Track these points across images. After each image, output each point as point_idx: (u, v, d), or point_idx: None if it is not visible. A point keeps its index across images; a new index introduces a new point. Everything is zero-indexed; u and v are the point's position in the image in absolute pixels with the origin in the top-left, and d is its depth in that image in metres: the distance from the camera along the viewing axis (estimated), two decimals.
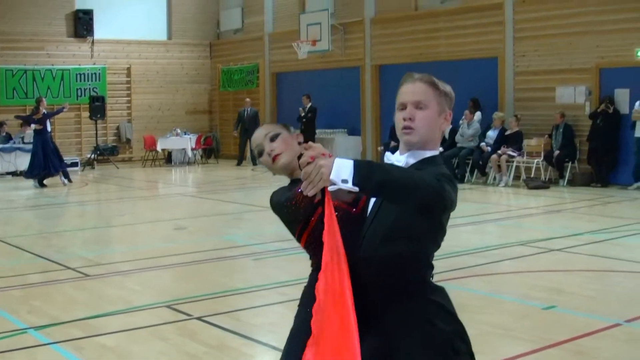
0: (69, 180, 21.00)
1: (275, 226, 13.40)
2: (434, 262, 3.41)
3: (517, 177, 19.50)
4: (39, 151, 20.22)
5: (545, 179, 19.12)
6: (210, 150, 29.08)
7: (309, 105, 24.31)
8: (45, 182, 20.54)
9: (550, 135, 19.16)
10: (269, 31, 28.27)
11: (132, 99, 28.72)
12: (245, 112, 26.57)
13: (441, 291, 3.40)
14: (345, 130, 25.10)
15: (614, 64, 18.61)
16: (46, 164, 20.21)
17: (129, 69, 28.70)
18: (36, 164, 20.32)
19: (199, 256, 10.74)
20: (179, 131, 27.16)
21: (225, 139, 30.18)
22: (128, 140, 28.61)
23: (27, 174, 20.76)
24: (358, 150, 24.79)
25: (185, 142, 26.97)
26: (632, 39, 18.17)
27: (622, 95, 18.59)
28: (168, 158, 27.71)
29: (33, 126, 20.73)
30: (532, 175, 19.14)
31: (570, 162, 19.11)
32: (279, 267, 10.16)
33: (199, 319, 7.55)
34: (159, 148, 27.04)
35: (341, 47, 25.05)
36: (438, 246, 3.40)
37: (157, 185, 21.91)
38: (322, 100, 24.80)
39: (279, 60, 27.75)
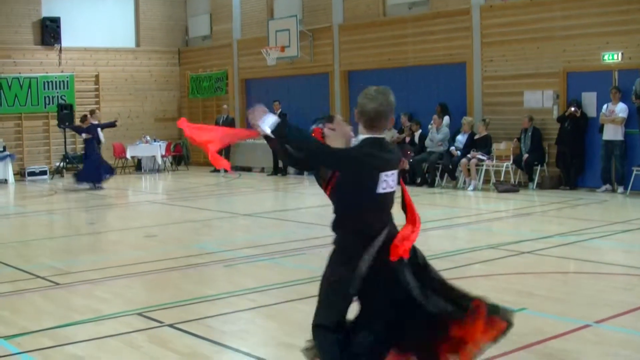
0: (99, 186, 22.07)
1: (246, 233, 13.48)
2: None
3: (486, 181, 19.59)
4: (88, 159, 22.23)
5: (514, 182, 19.24)
6: (180, 158, 29.00)
7: (279, 111, 24.30)
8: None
9: (519, 139, 19.28)
10: (237, 38, 28.25)
11: (101, 107, 28.52)
12: (222, 119, 26.57)
13: None
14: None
15: (581, 68, 18.76)
16: (93, 171, 21.93)
17: (97, 76, 28.56)
18: (85, 170, 22.22)
19: (169, 264, 10.71)
20: (148, 138, 27.10)
21: (195, 147, 29.95)
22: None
23: (77, 179, 22.17)
24: None
25: (154, 150, 26.91)
26: (598, 43, 18.33)
27: (589, 99, 18.74)
28: (138, 166, 27.63)
29: (83, 135, 22.33)
30: (502, 179, 19.24)
31: (539, 166, 19.24)
32: (249, 274, 10.14)
33: (170, 326, 7.53)
34: (128, 156, 26.97)
35: (310, 53, 25.07)
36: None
37: (126, 193, 21.81)
38: (291, 106, 24.81)
39: (247, 66, 27.73)
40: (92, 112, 22.90)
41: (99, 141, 22.50)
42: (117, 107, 28.59)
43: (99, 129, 22.34)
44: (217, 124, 26.62)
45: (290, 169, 24.74)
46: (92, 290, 9.28)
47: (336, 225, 5.07)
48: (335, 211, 5.07)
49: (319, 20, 25.08)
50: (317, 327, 5.08)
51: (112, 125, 23.25)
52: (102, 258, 11.46)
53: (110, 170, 22.81)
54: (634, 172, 17.53)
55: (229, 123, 26.52)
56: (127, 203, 19.78)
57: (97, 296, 8.96)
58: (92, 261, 11.16)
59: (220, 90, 28.77)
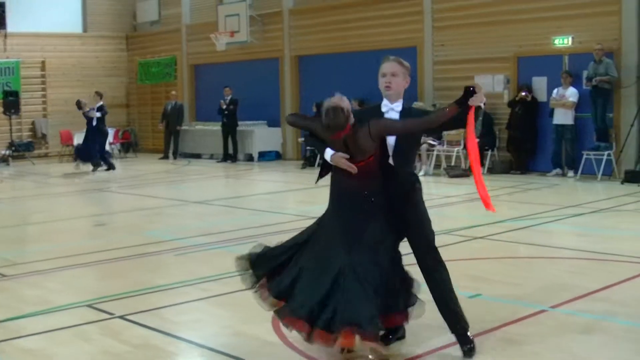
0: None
1: (197, 220, 13.32)
2: None
3: (437, 166, 19.63)
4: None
5: (465, 167, 19.27)
6: (128, 145, 28.68)
7: (230, 97, 24.12)
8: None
9: None
10: (186, 23, 28.00)
11: (48, 94, 28.19)
12: (170, 105, 26.33)
13: None
14: (265, 122, 24.95)
15: (532, 52, 18.84)
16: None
17: (43, 62, 28.16)
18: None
19: (119, 253, 10.52)
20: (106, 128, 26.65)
21: (143, 133, 29.83)
22: (44, 136, 28.09)
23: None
24: (278, 142, 24.72)
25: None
26: (549, 27, 18.41)
27: (539, 84, 18.84)
28: None
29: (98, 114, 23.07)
30: (453, 164, 19.27)
31: (490, 150, 19.31)
32: (202, 262, 10.00)
33: (121, 317, 7.37)
34: (75, 143, 26.56)
35: (260, 38, 24.90)
36: None
37: (74, 181, 21.48)
38: (241, 92, 24.62)
39: (197, 52, 27.49)
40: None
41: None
42: (65, 94, 28.18)
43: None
44: (165, 110, 26.46)
45: (240, 155, 24.59)
46: (42, 281, 9.07)
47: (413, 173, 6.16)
48: (403, 169, 6.01)
49: (269, 5, 24.91)
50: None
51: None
52: (51, 248, 11.23)
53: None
54: (584, 156, 17.65)
55: (178, 109, 26.31)
56: (74, 191, 19.46)
57: (47, 287, 8.76)
58: (41, 251, 10.93)
59: (170, 76, 28.50)
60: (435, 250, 6.11)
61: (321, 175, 6.21)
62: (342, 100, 5.81)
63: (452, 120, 5.83)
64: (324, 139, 5.99)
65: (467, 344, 6.00)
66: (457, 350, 6.03)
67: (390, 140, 5.94)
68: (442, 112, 5.84)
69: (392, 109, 6.02)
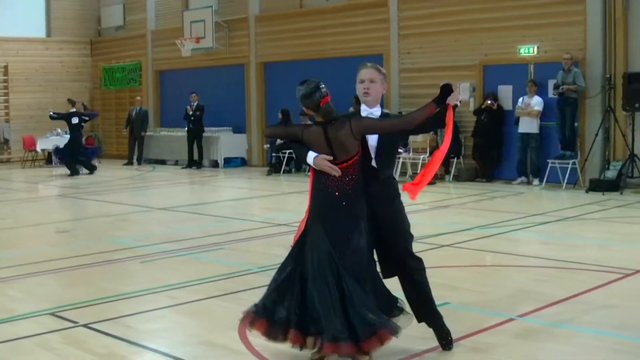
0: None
1: (162, 227, 13.21)
2: None
3: (403, 173, 19.65)
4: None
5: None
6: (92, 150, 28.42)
7: (196, 102, 24.00)
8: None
9: (435, 132, 19.32)
10: (151, 28, 27.86)
11: (10, 98, 27.89)
12: (135, 111, 26.16)
13: None
14: (231, 128, 24.86)
15: (498, 61, 18.94)
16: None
17: (6, 67, 27.88)
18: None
19: (83, 260, 10.40)
20: (59, 131, 26.47)
21: (107, 139, 29.62)
22: (6, 141, 27.80)
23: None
24: (243, 148, 24.64)
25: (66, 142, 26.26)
26: (515, 36, 18.52)
27: (505, 92, 18.94)
28: (48, 158, 26.94)
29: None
30: (418, 171, 19.27)
31: (455, 158, 19.35)
32: (167, 269, 9.90)
33: (85, 326, 7.26)
34: (38, 148, 26.35)
35: (225, 44, 24.83)
36: None
37: (37, 187, 21.28)
38: (207, 98, 24.52)
39: (162, 58, 27.35)
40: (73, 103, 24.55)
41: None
42: (27, 99, 27.95)
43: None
44: (130, 115, 26.28)
45: (205, 162, 24.47)
46: (4, 289, 8.93)
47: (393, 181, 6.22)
48: (384, 171, 6.10)
49: (235, 11, 24.85)
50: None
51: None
52: (13, 255, 11.08)
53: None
54: (549, 165, 17.74)
55: (143, 115, 26.13)
56: (37, 197, 19.28)
57: (9, 295, 8.62)
58: (3, 258, 10.77)
59: (134, 82, 28.33)
60: (414, 254, 6.29)
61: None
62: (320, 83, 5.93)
63: (431, 119, 5.93)
64: (306, 143, 5.99)
65: (446, 338, 6.25)
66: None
67: (372, 142, 5.99)
68: (421, 111, 5.92)
69: (371, 114, 6.08)
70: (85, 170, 23.48)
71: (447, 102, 5.96)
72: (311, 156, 5.91)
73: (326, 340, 5.62)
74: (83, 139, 24.58)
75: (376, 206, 6.02)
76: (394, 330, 5.70)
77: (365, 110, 6.10)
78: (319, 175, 5.98)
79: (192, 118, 23.97)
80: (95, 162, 27.01)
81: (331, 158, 5.85)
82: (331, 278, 5.74)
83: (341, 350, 5.60)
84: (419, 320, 6.27)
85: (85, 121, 24.02)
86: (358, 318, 5.63)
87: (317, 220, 5.94)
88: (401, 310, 6.11)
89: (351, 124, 5.79)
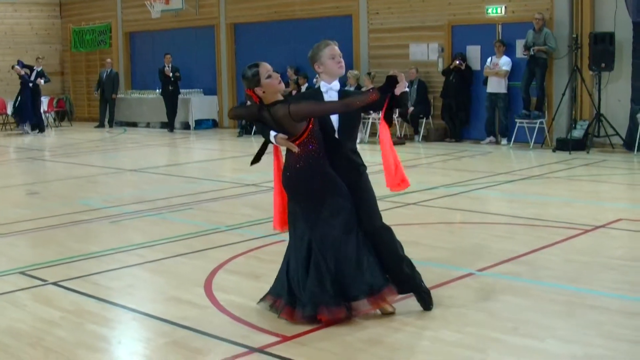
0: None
1: (133, 189, 13.30)
2: None
3: (373, 134, 19.75)
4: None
5: (400, 135, 19.47)
6: (63, 113, 28.33)
7: (170, 64, 23.83)
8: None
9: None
10: None
11: None
12: (105, 73, 26.04)
13: None
14: (201, 90, 24.84)
15: (466, 21, 19.02)
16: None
17: None
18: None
19: (52, 221, 10.49)
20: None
21: (78, 102, 29.51)
22: None
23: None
24: (214, 110, 24.65)
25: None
26: None
27: (473, 52, 19.06)
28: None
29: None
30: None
31: (424, 119, 19.50)
32: (135, 229, 10.02)
33: (54, 284, 7.38)
34: (9, 111, 26.19)
35: (195, 5, 24.73)
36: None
37: (7, 150, 21.24)
38: (177, 60, 24.39)
39: (132, 19, 27.19)
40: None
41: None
42: None
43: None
44: (100, 78, 26.19)
45: (177, 124, 24.41)
46: None
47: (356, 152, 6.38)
48: (347, 143, 6.30)
49: None
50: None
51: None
52: None
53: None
54: (517, 124, 17.91)
55: (113, 77, 26.03)
56: (7, 160, 19.26)
57: None
58: None
59: (104, 44, 28.16)
60: (384, 224, 6.44)
61: (258, 157, 6.36)
62: (261, 63, 6.18)
63: (372, 105, 6.10)
64: (266, 122, 6.16)
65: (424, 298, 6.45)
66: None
67: (334, 116, 6.18)
68: (363, 96, 6.06)
69: (330, 89, 6.27)
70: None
71: (396, 92, 6.08)
72: (272, 134, 6.11)
73: (285, 304, 6.15)
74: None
75: (345, 177, 6.20)
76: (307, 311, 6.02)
77: (325, 86, 6.27)
78: (286, 154, 6.22)
79: (172, 79, 23.75)
80: (66, 124, 27.11)
81: (287, 137, 6.05)
82: (305, 251, 6.10)
83: (293, 318, 6.06)
84: (400, 292, 6.36)
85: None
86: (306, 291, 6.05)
87: (290, 199, 6.26)
88: (380, 289, 6.16)
89: (290, 108, 5.94)
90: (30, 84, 24.40)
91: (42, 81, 24.69)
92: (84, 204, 11.81)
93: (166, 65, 23.85)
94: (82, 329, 6.14)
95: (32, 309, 6.69)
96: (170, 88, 23.85)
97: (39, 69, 24.76)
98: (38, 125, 24.70)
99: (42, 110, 25.33)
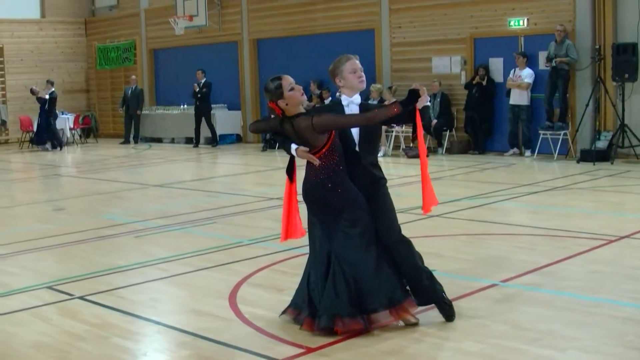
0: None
1: (157, 203, 13.40)
2: None
3: (396, 146, 19.80)
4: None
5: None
6: (89, 130, 28.53)
7: (203, 80, 23.93)
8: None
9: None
10: (144, 7, 27.89)
11: (6, 80, 27.96)
12: (130, 90, 26.23)
13: None
14: (225, 105, 24.96)
15: (488, 34, 19.05)
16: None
17: (1, 48, 27.91)
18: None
19: (78, 236, 10.59)
20: (56, 112, 26.52)
21: (104, 118, 29.73)
22: (3, 122, 27.88)
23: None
24: (238, 125, 24.75)
25: (62, 122, 26.42)
26: (504, 9, 18.63)
27: (496, 64, 19.07)
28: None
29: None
30: (411, 145, 19.43)
31: (448, 131, 19.51)
32: (159, 243, 10.10)
33: (80, 298, 7.47)
34: (35, 129, 26.41)
35: (218, 22, 24.90)
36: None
37: (34, 167, 21.44)
38: None
39: (155, 36, 27.40)
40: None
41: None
42: (23, 80, 27.97)
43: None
44: (125, 94, 26.38)
45: (201, 139, 24.50)
46: (0, 265, 9.12)
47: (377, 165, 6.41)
48: (368, 156, 6.31)
49: None
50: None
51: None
52: (10, 232, 11.26)
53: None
54: (541, 136, 17.90)
55: (138, 94, 26.21)
56: (34, 177, 19.44)
57: (5, 271, 8.82)
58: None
59: (128, 61, 28.38)
60: (404, 237, 6.45)
61: (290, 170, 6.41)
62: (284, 76, 6.21)
63: (394, 118, 6.13)
64: (287, 135, 6.22)
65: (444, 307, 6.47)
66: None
67: (354, 129, 6.23)
68: (385, 110, 6.07)
69: (352, 102, 6.31)
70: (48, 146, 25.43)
71: (418, 106, 6.13)
72: (293, 147, 6.18)
73: (306, 316, 6.22)
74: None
75: (364, 190, 6.25)
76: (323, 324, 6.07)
77: (346, 99, 6.32)
78: (306, 166, 6.28)
79: (199, 95, 23.86)
80: (91, 140, 27.34)
81: (308, 149, 6.11)
82: (324, 263, 6.19)
83: (313, 329, 6.11)
84: (420, 303, 6.40)
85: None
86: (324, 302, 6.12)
87: (308, 211, 6.33)
88: (400, 301, 6.22)
89: (312, 120, 5.99)
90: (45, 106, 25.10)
91: (47, 95, 25.23)
92: (109, 219, 11.91)
93: (198, 81, 23.89)
94: (107, 342, 6.20)
95: (58, 322, 6.76)
96: (197, 103, 23.93)
97: (50, 92, 25.31)
98: (55, 143, 25.30)
99: (57, 128, 25.86)
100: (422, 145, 6.38)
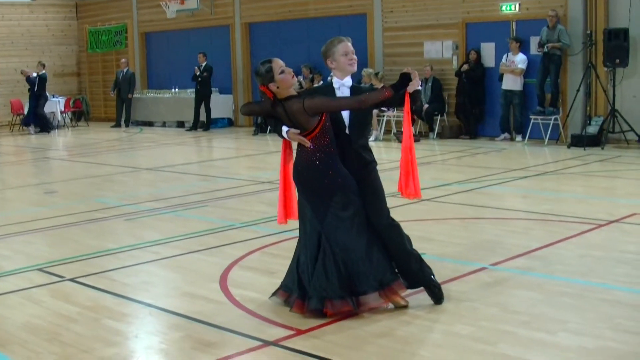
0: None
1: (148, 187, 13.39)
2: None
3: (387, 131, 19.81)
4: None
5: (415, 132, 19.46)
6: (80, 113, 28.46)
7: (204, 63, 23.83)
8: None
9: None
10: None
11: None
12: (122, 74, 26.16)
13: None
14: (217, 89, 24.91)
15: (480, 19, 19.04)
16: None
17: None
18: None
19: (70, 219, 10.59)
20: (47, 94, 26.46)
21: (95, 102, 29.65)
22: None
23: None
24: (230, 109, 24.72)
25: (53, 106, 26.35)
26: None
27: (487, 49, 19.07)
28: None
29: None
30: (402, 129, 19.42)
31: (439, 116, 19.52)
32: (151, 226, 10.11)
33: (71, 280, 7.48)
34: (26, 112, 26.35)
35: (210, 5, 24.82)
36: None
37: (25, 150, 21.39)
38: (193, 59, 24.49)
39: (147, 20, 27.31)
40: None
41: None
42: (14, 63, 27.84)
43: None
44: (116, 78, 26.32)
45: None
46: None
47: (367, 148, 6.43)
48: (358, 139, 6.32)
49: None
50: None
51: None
52: (1, 215, 11.26)
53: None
54: (532, 121, 17.93)
55: (129, 77, 26.14)
56: (25, 160, 19.39)
57: None
58: None
59: (120, 44, 28.28)
60: (393, 220, 6.47)
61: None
62: (274, 59, 6.19)
63: (385, 102, 6.18)
64: (279, 118, 6.25)
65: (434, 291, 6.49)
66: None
67: (345, 112, 6.24)
68: (377, 93, 6.11)
69: (343, 85, 6.32)
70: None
71: (408, 89, 6.14)
72: (284, 130, 6.20)
73: (296, 298, 6.24)
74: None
75: (354, 173, 6.27)
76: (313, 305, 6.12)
77: (337, 82, 6.33)
78: (298, 148, 6.31)
79: (200, 79, 23.76)
80: (82, 124, 27.29)
81: (299, 131, 6.14)
82: (315, 246, 6.20)
83: (304, 311, 6.15)
84: (409, 286, 6.44)
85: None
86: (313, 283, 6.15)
87: (300, 193, 6.35)
88: (389, 283, 6.25)
89: (304, 103, 6.02)
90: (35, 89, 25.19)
91: (34, 73, 25.37)
92: (101, 202, 11.91)
93: (198, 64, 23.78)
94: (98, 324, 6.22)
95: (50, 305, 6.77)
96: (197, 87, 23.84)
97: (40, 74, 25.34)
98: (42, 126, 25.41)
99: (48, 111, 25.95)
100: (408, 129, 6.34)
